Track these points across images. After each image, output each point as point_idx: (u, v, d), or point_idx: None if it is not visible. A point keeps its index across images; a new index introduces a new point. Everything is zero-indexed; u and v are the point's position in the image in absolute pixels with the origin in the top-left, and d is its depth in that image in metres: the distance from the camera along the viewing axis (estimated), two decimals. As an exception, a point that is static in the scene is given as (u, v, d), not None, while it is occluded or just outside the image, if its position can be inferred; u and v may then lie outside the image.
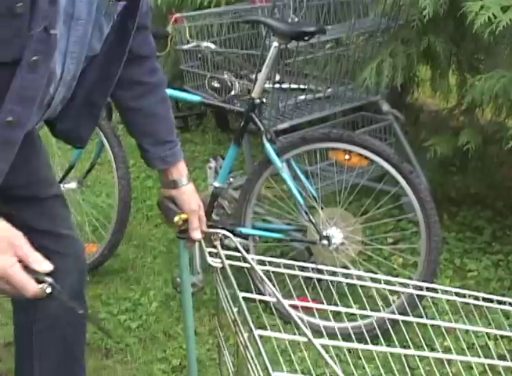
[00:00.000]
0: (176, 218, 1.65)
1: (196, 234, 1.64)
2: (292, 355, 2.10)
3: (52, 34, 1.25)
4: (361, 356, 2.46)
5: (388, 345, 2.22)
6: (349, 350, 2.18)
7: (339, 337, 1.69)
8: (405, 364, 1.84)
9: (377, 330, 1.83)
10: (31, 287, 1.17)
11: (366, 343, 1.85)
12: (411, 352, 1.70)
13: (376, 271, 2.75)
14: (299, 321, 1.54)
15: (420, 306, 1.99)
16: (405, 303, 2.27)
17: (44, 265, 1.18)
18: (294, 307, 1.60)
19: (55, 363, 1.86)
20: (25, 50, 1.24)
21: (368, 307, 2.14)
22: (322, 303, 2.77)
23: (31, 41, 1.23)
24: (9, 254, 1.16)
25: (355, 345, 1.79)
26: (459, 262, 3.13)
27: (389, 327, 2.02)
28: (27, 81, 1.27)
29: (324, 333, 1.59)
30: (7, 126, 1.28)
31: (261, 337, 1.36)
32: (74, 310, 1.79)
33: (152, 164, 1.70)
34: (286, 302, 1.56)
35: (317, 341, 1.50)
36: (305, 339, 1.53)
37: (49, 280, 1.18)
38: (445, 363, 1.94)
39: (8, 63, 1.24)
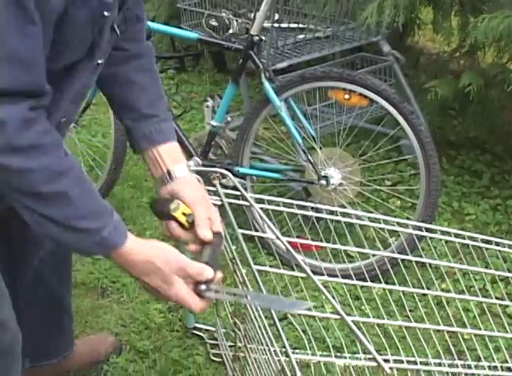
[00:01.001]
0: (173, 205, 1.33)
1: (204, 231, 1.34)
2: (292, 292, 2.05)
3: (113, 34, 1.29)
4: (360, 297, 2.42)
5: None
6: (349, 290, 2.15)
7: (339, 277, 1.64)
8: (405, 305, 1.79)
9: (377, 271, 1.79)
10: (201, 305, 1.27)
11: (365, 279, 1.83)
12: (410, 289, 1.65)
13: (375, 213, 2.69)
14: (298, 257, 1.50)
15: (419, 247, 1.93)
16: (405, 244, 2.23)
17: (206, 273, 1.26)
18: (293, 246, 1.55)
19: (43, 315, 1.88)
20: (95, 52, 1.26)
21: (367, 248, 2.11)
22: (320, 244, 2.75)
23: (102, 43, 1.26)
24: (182, 278, 1.24)
25: (354, 281, 1.74)
26: (458, 206, 3.08)
27: (389, 267, 1.98)
28: (89, 81, 1.31)
29: (325, 274, 1.54)
30: (61, 126, 1.30)
31: (259, 272, 1.33)
32: (60, 262, 1.75)
33: (138, 146, 1.44)
34: (284, 239, 1.51)
35: (316, 278, 1.46)
36: (304, 275, 1.49)
37: (203, 287, 1.26)
38: (444, 303, 1.89)
39: (76, 63, 1.25)
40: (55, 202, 1.16)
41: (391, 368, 1.27)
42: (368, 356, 1.33)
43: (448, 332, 1.82)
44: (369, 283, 1.59)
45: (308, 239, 2.35)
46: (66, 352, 2.06)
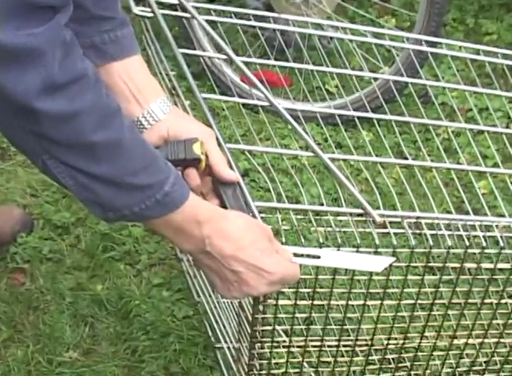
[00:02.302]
0: (195, 145, 1.28)
1: (228, 170, 1.32)
2: (256, 140, 2.04)
3: None
4: (344, 143, 2.43)
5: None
6: (330, 136, 2.15)
7: (320, 122, 1.62)
8: (403, 151, 1.79)
9: (367, 107, 1.77)
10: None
11: (352, 124, 1.79)
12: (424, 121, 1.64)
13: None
14: (261, 87, 1.46)
15: (420, 72, 1.91)
16: (402, 69, 2.22)
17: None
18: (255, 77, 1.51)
19: None
20: None
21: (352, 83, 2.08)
22: (290, 78, 2.73)
23: None
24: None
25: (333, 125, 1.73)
26: (473, 23, 3.07)
27: (382, 102, 1.96)
28: None
29: (300, 117, 1.52)
30: None
31: (205, 100, 1.31)
32: None
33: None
34: (239, 61, 1.46)
35: (285, 114, 1.44)
36: (266, 103, 1.47)
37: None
38: (455, 145, 1.90)
39: None
40: (110, 154, 1.09)
41: (381, 216, 1.28)
42: (353, 211, 1.33)
43: (461, 184, 1.83)
44: (370, 114, 1.58)
45: (273, 74, 2.35)
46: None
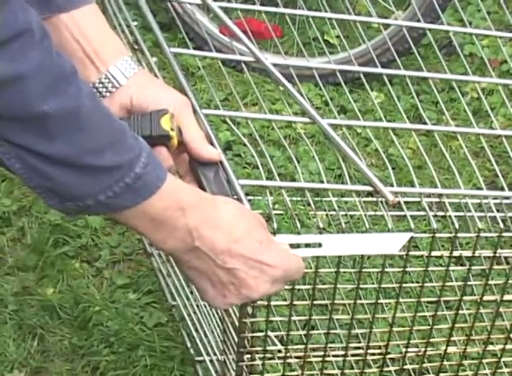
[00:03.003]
0: (164, 118, 1.27)
1: (208, 147, 1.31)
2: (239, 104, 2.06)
3: None
4: (350, 108, 2.44)
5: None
6: (331, 99, 2.16)
7: (319, 82, 1.63)
8: (423, 116, 1.81)
9: (376, 62, 1.78)
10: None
11: (358, 84, 1.80)
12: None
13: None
14: (244, 39, 1.48)
15: (441, 16, 1.92)
16: (418, 12, 2.24)
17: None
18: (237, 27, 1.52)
19: None
20: None
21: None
22: (281, 27, 2.74)
23: None
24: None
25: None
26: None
27: (395, 56, 1.97)
28: None
29: (294, 75, 1.53)
30: None
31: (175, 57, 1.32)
32: None
33: None
34: (217, 7, 1.48)
35: (274, 69, 1.45)
36: (251, 59, 1.48)
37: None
38: (487, 107, 1.92)
39: None
40: (65, 128, 1.08)
41: (395, 194, 1.29)
42: (361, 188, 1.35)
43: (494, 155, 1.85)
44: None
45: (260, 23, 2.35)
46: None
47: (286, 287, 1.36)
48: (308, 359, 1.51)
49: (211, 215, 1.18)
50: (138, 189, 1.13)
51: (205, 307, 1.79)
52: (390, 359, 1.59)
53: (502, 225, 1.34)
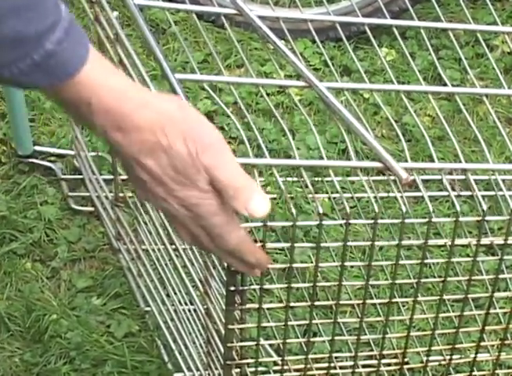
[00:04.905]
0: None
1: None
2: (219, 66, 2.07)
3: None
4: (354, 68, 2.45)
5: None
6: (331, 59, 2.16)
7: (315, 37, 1.64)
8: (440, 74, 1.82)
9: (385, 12, 1.79)
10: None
11: (364, 39, 1.81)
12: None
13: None
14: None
15: None
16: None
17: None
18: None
19: None
20: None
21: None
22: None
23: None
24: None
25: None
26: None
27: (407, 3, 1.98)
28: None
29: (287, 34, 1.54)
30: None
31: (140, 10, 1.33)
32: None
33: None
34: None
35: (261, 22, 1.46)
36: (234, 11, 1.49)
37: None
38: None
39: None
40: None
41: (410, 171, 1.29)
42: (369, 164, 1.35)
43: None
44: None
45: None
46: None
47: (282, 285, 1.37)
48: (310, 372, 1.52)
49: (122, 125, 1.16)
50: (50, 68, 1.14)
51: (185, 313, 1.79)
52: (408, 369, 1.61)
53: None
